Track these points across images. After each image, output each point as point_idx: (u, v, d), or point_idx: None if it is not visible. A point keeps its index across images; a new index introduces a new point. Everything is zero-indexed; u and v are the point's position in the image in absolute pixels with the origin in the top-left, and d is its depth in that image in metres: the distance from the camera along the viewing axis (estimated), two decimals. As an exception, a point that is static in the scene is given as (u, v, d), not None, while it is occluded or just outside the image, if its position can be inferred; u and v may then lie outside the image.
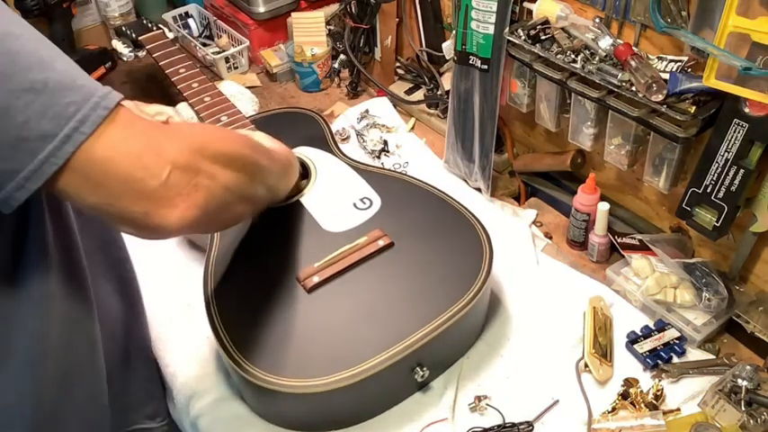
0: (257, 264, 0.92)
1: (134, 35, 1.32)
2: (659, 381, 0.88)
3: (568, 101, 1.02)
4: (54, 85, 0.51)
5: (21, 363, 0.63)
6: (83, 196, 0.54)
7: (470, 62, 1.09)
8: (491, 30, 1.03)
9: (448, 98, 1.21)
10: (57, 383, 0.67)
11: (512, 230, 1.12)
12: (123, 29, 1.36)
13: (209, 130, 0.66)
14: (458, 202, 0.99)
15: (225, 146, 0.64)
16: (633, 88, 0.86)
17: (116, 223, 0.58)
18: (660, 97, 0.83)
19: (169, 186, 0.56)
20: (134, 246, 0.92)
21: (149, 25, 1.34)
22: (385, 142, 1.31)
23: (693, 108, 0.82)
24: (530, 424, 0.84)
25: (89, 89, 0.53)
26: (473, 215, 0.97)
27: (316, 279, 0.88)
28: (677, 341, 0.92)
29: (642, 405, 0.85)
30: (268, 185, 0.77)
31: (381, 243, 0.92)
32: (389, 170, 1.13)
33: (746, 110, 0.79)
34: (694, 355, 0.92)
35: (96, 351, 0.74)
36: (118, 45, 1.36)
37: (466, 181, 1.24)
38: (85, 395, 0.73)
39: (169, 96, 1.45)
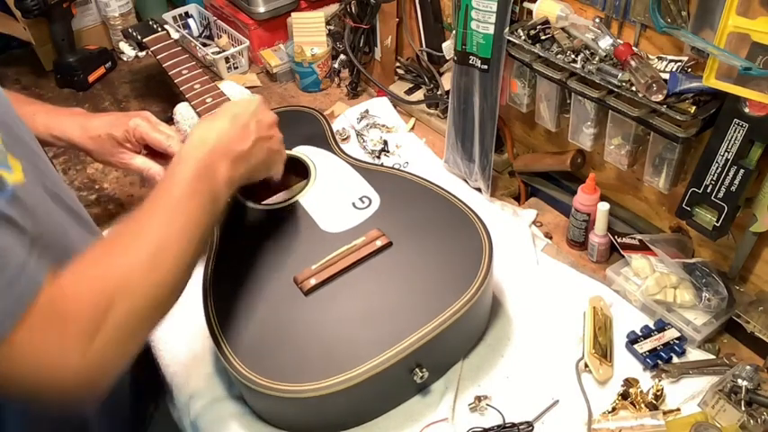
0: (255, 265, 0.91)
1: (140, 37, 1.32)
2: (659, 381, 0.88)
3: (568, 101, 1.02)
4: None
5: None
6: None
7: (470, 62, 1.09)
8: (491, 30, 1.03)
9: (448, 98, 1.21)
10: None
11: (512, 230, 1.12)
12: (130, 31, 1.36)
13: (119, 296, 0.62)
14: (458, 199, 0.99)
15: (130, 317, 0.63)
16: (633, 88, 0.86)
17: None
18: (660, 97, 0.83)
19: (80, 383, 0.59)
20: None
21: (154, 26, 1.34)
22: (385, 142, 1.31)
23: (693, 108, 0.82)
24: (530, 424, 0.84)
25: None
26: (473, 211, 0.96)
27: (313, 281, 0.87)
28: (677, 341, 0.92)
29: (642, 405, 0.85)
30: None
31: (379, 243, 0.92)
32: (390, 168, 1.12)
33: (746, 110, 0.79)
34: (694, 355, 0.92)
35: None
36: (124, 47, 1.36)
37: (466, 181, 1.24)
38: None
39: (169, 96, 1.45)
